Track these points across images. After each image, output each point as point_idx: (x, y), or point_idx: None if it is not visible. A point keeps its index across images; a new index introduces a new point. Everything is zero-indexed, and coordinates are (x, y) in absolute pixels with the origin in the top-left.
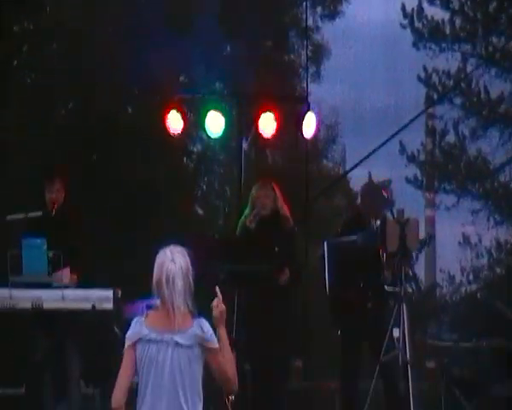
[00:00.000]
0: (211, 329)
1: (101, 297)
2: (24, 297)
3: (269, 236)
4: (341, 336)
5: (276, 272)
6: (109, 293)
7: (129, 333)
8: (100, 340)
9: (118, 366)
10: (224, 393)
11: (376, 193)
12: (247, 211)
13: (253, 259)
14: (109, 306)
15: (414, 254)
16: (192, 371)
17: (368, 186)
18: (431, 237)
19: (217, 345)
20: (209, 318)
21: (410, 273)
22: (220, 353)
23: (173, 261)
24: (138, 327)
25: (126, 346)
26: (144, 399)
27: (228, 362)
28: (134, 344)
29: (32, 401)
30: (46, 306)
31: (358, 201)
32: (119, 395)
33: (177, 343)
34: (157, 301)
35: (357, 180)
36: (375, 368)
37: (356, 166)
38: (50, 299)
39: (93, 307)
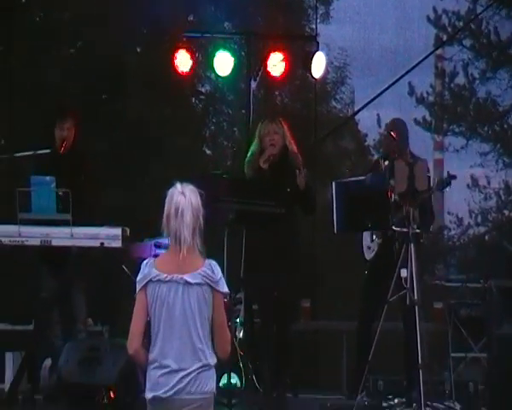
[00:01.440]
0: (221, 273)
1: (110, 235)
2: (33, 234)
3: (281, 176)
4: (366, 274)
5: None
6: (118, 231)
7: (139, 277)
8: (108, 278)
9: (126, 304)
10: (216, 350)
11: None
12: (253, 147)
13: (266, 200)
14: (118, 244)
15: (433, 196)
16: (202, 311)
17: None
18: (452, 177)
19: (225, 290)
20: (219, 259)
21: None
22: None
23: (183, 194)
24: (148, 269)
25: (137, 290)
26: (156, 339)
27: (226, 325)
28: (145, 287)
29: (40, 338)
30: (55, 243)
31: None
32: (134, 340)
33: (186, 282)
34: (166, 241)
35: (365, 122)
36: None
37: (364, 107)
38: (59, 236)
39: (101, 244)
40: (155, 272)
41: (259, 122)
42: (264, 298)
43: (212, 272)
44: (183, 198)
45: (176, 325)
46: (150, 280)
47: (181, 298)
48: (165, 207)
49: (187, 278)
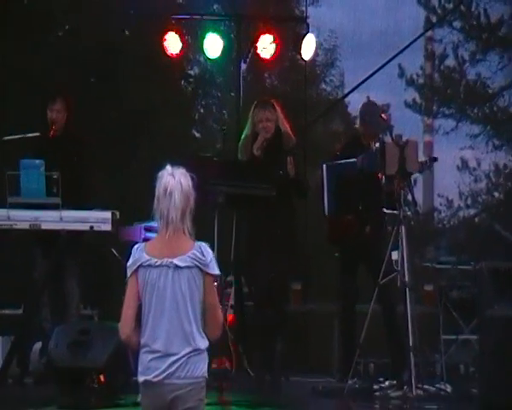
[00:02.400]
0: (211, 255)
1: (100, 219)
2: (22, 218)
3: (273, 160)
4: (339, 258)
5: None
6: (107, 215)
7: (130, 262)
8: (98, 262)
9: (115, 288)
10: (207, 333)
11: (375, 111)
12: (246, 131)
13: (257, 182)
14: (108, 227)
15: (412, 179)
16: (193, 294)
17: (366, 105)
18: (432, 159)
19: (215, 272)
20: (210, 242)
21: (409, 196)
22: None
23: (172, 175)
24: (138, 254)
25: (128, 275)
26: (147, 323)
27: (218, 307)
28: (136, 272)
29: (30, 322)
30: (44, 226)
31: (357, 122)
32: (125, 325)
33: (176, 266)
34: (156, 225)
35: (355, 104)
36: (373, 291)
37: (354, 89)
38: (48, 220)
39: (91, 228)
40: (146, 256)
41: (252, 105)
42: (260, 281)
43: (202, 254)
44: (173, 179)
45: (166, 310)
46: (141, 265)
47: (171, 282)
48: (156, 190)
49: (176, 261)
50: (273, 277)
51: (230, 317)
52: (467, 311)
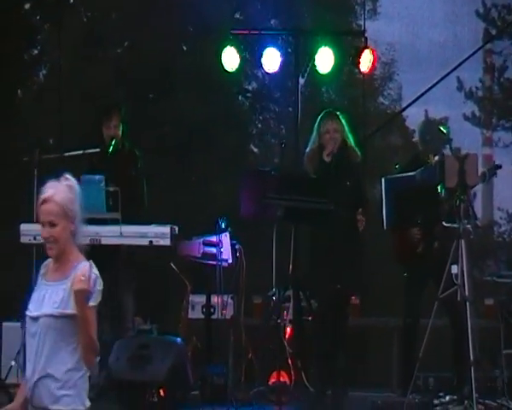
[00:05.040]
0: None
1: (159, 234)
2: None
3: (341, 169)
4: (407, 277)
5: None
6: (166, 229)
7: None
8: (157, 277)
9: (174, 302)
10: None
11: (434, 129)
12: (312, 143)
13: (330, 194)
14: (167, 242)
15: (473, 191)
16: None
17: (425, 124)
18: (497, 167)
19: None
20: (269, 255)
21: (470, 210)
22: None
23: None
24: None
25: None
26: None
27: None
28: None
29: None
30: (104, 241)
31: (416, 138)
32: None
33: None
34: (214, 239)
35: (413, 118)
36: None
37: (412, 103)
38: (108, 235)
39: (150, 242)
40: None
41: (319, 116)
42: (323, 295)
43: None
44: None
45: None
46: None
47: None
48: (77, 198)
49: None
50: (338, 290)
51: (289, 331)
52: None
